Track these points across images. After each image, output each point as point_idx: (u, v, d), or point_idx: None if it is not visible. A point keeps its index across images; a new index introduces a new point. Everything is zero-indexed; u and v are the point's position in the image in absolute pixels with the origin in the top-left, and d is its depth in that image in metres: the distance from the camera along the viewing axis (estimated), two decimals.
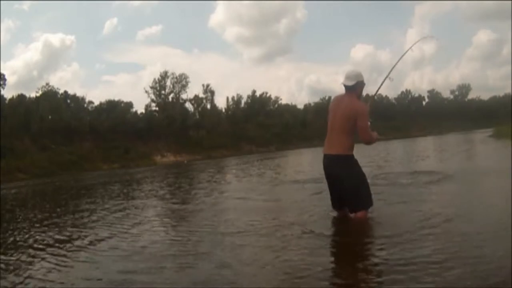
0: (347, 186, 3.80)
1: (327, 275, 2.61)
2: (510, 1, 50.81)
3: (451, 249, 2.86)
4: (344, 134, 3.80)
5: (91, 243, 3.95)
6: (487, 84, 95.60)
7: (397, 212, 4.25)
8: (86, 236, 4.30)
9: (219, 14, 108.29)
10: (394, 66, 4.81)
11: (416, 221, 3.74)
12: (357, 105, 3.78)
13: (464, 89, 78.98)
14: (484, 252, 2.73)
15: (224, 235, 3.87)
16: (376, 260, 2.80)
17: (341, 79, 4.00)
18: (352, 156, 3.89)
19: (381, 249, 2.98)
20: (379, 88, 4.75)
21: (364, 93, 4.34)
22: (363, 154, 11.96)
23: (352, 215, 3.90)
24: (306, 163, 14.96)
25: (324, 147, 3.99)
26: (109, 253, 3.51)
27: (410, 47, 4.84)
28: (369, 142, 3.91)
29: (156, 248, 3.54)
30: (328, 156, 3.92)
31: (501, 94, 77.93)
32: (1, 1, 61.38)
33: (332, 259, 3.03)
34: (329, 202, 4.18)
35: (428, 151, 16.13)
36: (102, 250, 3.62)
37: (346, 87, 3.90)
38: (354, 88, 3.86)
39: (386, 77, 4.62)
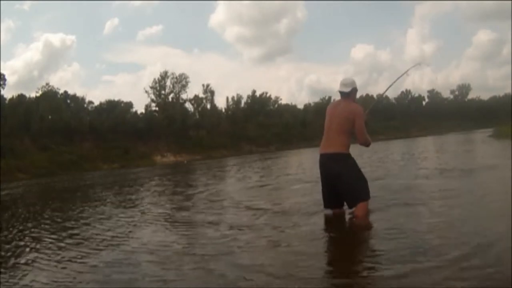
0: (346, 183, 3.96)
1: None
2: (510, 1, 50.83)
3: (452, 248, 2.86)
4: (343, 134, 4.03)
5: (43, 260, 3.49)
6: (487, 84, 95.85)
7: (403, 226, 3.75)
8: (44, 252, 3.79)
9: (219, 14, 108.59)
10: (389, 87, 5.54)
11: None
12: (355, 107, 4.07)
13: (464, 89, 79.06)
14: (486, 252, 2.72)
15: (196, 256, 3.28)
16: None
17: (341, 79, 4.27)
18: (350, 154, 4.10)
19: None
20: (382, 100, 5.12)
21: (364, 93, 4.49)
22: (361, 155, 11.95)
23: (351, 210, 4.05)
24: (301, 164, 14.86)
25: (320, 147, 4.18)
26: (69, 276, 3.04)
27: (405, 72, 5.17)
28: (365, 143, 4.16)
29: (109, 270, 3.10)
30: (327, 154, 4.09)
31: (501, 94, 78.06)
32: (2, 1, 61.43)
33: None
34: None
35: (429, 152, 16.09)
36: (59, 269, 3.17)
37: (343, 93, 4.19)
38: (350, 94, 4.17)
39: (382, 94, 5.18)
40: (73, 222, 5.44)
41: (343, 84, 4.18)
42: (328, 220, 4.12)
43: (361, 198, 3.95)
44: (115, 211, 6.15)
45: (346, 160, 4.05)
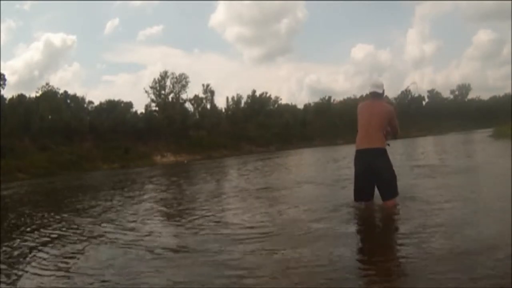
0: (384, 177, 4.31)
1: None
2: (510, 1, 50.81)
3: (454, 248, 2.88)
4: (381, 131, 4.39)
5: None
6: (487, 84, 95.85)
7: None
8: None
9: (219, 14, 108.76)
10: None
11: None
12: (390, 107, 4.54)
13: (464, 89, 79.01)
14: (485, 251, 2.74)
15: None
16: None
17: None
18: (386, 149, 4.46)
19: None
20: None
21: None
22: None
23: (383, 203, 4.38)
24: (296, 165, 14.75)
25: (359, 143, 4.45)
26: None
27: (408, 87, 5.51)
28: (396, 137, 4.70)
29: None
30: (369, 150, 4.36)
31: (501, 94, 77.98)
32: (2, 1, 61.42)
33: None
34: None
35: (429, 152, 16.10)
36: None
37: (376, 94, 4.52)
38: (382, 95, 4.55)
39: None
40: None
41: (376, 85, 4.54)
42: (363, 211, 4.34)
43: (395, 194, 4.36)
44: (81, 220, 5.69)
45: (386, 155, 4.38)
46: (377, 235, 3.78)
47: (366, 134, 4.39)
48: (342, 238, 3.47)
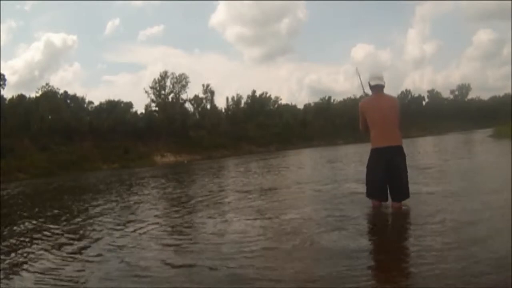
0: (401, 177, 4.09)
1: None
2: (510, 1, 50.78)
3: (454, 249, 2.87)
4: (397, 127, 4.18)
5: None
6: (487, 84, 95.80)
7: None
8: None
9: (220, 14, 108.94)
10: None
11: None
12: (397, 100, 4.39)
13: (464, 89, 79.00)
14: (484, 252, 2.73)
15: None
16: None
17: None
18: None
19: None
20: None
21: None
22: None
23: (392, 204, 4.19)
24: (295, 166, 14.68)
25: (379, 140, 4.14)
26: None
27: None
28: None
29: None
30: (391, 148, 4.11)
31: (501, 94, 77.95)
32: (2, 1, 61.43)
33: None
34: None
35: (430, 153, 16.07)
36: None
37: (379, 86, 4.25)
38: (384, 86, 4.27)
39: None
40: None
41: (378, 77, 4.25)
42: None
43: (408, 196, 4.16)
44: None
45: (404, 153, 4.18)
46: (382, 235, 3.73)
47: (384, 130, 4.11)
48: (343, 236, 3.47)
